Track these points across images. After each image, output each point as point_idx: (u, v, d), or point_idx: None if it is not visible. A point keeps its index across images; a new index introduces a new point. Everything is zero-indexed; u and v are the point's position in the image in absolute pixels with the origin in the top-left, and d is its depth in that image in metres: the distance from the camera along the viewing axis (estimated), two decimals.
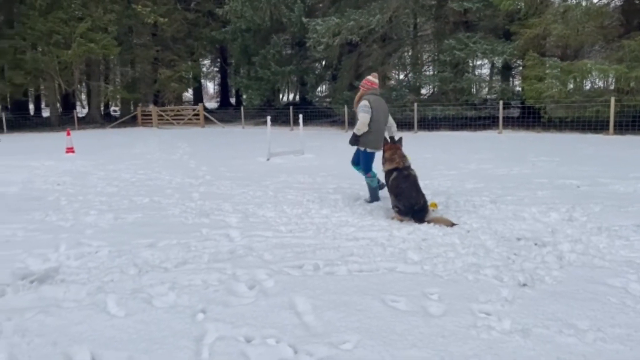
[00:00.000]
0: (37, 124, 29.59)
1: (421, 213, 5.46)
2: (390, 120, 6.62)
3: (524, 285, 3.58)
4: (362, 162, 6.58)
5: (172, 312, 3.22)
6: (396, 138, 6.37)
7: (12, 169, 10.96)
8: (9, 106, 32.30)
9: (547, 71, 17.28)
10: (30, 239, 5.12)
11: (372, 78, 6.52)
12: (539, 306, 3.21)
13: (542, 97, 17.15)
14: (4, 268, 4.10)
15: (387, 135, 6.51)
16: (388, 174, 5.95)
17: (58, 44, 25.68)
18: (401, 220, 5.48)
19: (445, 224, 5.25)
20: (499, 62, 21.82)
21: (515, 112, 21.32)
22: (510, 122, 19.41)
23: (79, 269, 4.13)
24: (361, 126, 6.24)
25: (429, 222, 5.36)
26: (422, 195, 5.62)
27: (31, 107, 37.12)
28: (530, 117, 18.25)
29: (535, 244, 4.54)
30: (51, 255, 4.51)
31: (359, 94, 6.53)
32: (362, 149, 6.48)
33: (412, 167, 5.98)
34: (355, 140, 6.39)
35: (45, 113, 35.54)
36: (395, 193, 5.72)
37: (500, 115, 18.35)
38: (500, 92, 20.46)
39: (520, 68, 21.94)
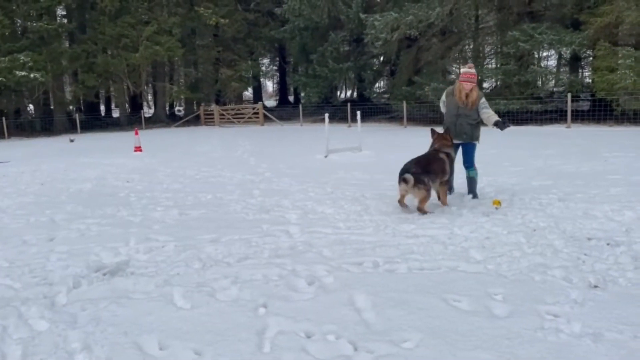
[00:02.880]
0: (108, 124, 31.21)
1: (400, 174, 5.69)
2: None
3: (595, 287, 3.41)
4: (472, 155, 6.43)
5: (234, 306, 3.31)
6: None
7: (86, 167, 11.63)
8: (82, 108, 34.26)
9: (620, 61, 16.30)
10: (103, 233, 5.41)
11: (474, 70, 6.30)
12: (612, 309, 3.04)
13: (615, 88, 16.20)
14: (79, 261, 4.37)
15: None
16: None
17: (126, 48, 26.95)
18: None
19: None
20: (566, 53, 20.80)
21: (585, 105, 20.26)
22: (580, 116, 18.47)
23: (147, 262, 4.33)
24: (494, 115, 6.25)
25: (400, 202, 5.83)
26: (416, 167, 5.70)
27: (102, 108, 39.21)
28: (601, 110, 17.27)
29: (608, 244, 4.31)
30: (122, 249, 4.75)
31: (476, 91, 6.23)
32: (476, 142, 6.45)
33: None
34: (503, 123, 6.30)
35: (115, 114, 37.44)
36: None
37: (569, 109, 17.50)
38: (569, 84, 19.50)
39: (590, 59, 20.81)
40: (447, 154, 6.02)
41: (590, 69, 22.17)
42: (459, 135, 6.32)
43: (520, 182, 7.46)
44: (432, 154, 6.03)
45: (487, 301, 3.24)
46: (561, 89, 21.98)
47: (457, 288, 3.47)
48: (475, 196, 6.42)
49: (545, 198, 6.18)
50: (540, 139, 13.67)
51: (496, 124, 6.18)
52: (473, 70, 6.22)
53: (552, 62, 32.53)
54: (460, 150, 6.46)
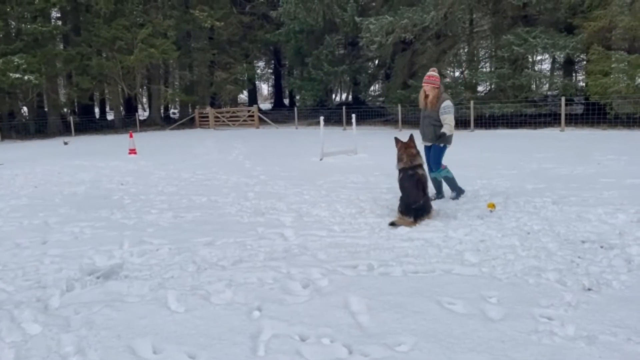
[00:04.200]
0: (102, 126, 31.05)
1: (419, 212, 5.39)
2: None
3: (589, 289, 3.42)
4: (434, 157, 6.49)
5: (229, 309, 3.30)
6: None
7: (80, 170, 11.58)
8: (76, 110, 34.10)
9: (613, 65, 16.38)
10: (97, 236, 5.39)
11: (436, 73, 6.45)
12: (606, 312, 3.06)
13: (608, 92, 16.27)
14: (73, 264, 4.35)
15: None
16: (398, 173, 5.93)
17: (121, 50, 26.87)
18: (404, 223, 5.31)
19: (405, 224, 5.25)
20: (560, 57, 20.91)
21: (579, 109, 20.34)
22: (573, 119, 18.54)
23: (141, 265, 4.31)
24: (453, 127, 6.31)
25: (392, 223, 5.34)
26: (423, 195, 5.54)
27: (96, 110, 39.03)
28: (595, 114, 17.36)
29: (602, 247, 4.33)
30: (116, 252, 4.73)
31: (435, 93, 6.35)
32: (441, 145, 6.49)
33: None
34: (444, 139, 6.34)
35: (110, 116, 37.24)
36: (400, 192, 5.75)
37: (563, 112, 17.58)
38: (562, 88, 19.59)
39: (584, 63, 20.91)
40: (420, 166, 5.84)
41: (583, 72, 22.31)
42: (424, 136, 6.58)
43: (514, 185, 7.49)
44: (416, 176, 5.69)
45: (482, 304, 3.25)
46: (555, 92, 22.06)
47: (452, 291, 3.47)
48: (459, 192, 6.58)
49: (540, 201, 6.20)
50: (534, 142, 13.73)
51: (440, 136, 6.35)
52: (433, 73, 6.45)
53: (546, 66, 32.68)
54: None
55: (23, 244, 5.14)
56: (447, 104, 6.31)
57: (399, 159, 5.93)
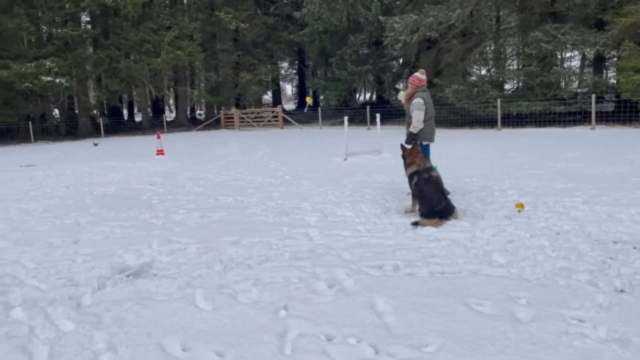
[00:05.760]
0: (130, 128, 31.71)
1: (443, 214, 5.36)
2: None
3: (622, 291, 3.34)
4: None
5: (255, 308, 3.33)
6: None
7: (110, 170, 11.83)
8: (106, 112, 34.87)
9: None
10: (127, 235, 5.50)
11: (421, 75, 6.67)
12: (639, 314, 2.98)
13: None
14: (104, 262, 4.45)
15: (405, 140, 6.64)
16: (410, 178, 5.94)
17: (149, 52, 27.38)
18: (430, 224, 5.28)
19: (431, 224, 5.22)
20: (590, 53, 20.42)
21: (610, 107, 19.83)
22: (604, 117, 18.09)
23: (169, 264, 4.38)
24: (418, 124, 6.45)
25: (415, 223, 5.33)
26: (444, 197, 5.55)
27: (125, 112, 39.83)
28: (626, 112, 16.90)
29: (634, 247, 4.22)
30: (145, 251, 4.82)
31: (408, 91, 6.71)
32: (424, 142, 6.64)
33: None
34: (412, 138, 6.50)
35: (138, 117, 37.99)
36: (418, 197, 5.70)
37: (593, 110, 17.17)
38: (593, 85, 19.11)
39: (615, 59, 20.37)
40: (432, 167, 5.98)
41: (614, 69, 21.72)
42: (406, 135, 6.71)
43: (543, 184, 7.35)
44: (432, 179, 5.68)
45: (511, 305, 3.20)
46: (585, 90, 21.54)
47: (479, 292, 3.43)
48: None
49: (569, 201, 6.07)
50: (563, 141, 13.45)
51: (407, 136, 6.56)
52: (415, 74, 6.68)
53: (576, 63, 31.99)
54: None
55: (55, 243, 5.28)
56: (416, 101, 6.43)
57: (411, 163, 5.96)
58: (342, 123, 12.95)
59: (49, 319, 3.28)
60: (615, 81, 19.50)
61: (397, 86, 28.56)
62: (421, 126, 6.46)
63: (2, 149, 22.28)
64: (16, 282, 4.05)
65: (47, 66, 23.79)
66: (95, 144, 21.56)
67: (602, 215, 5.33)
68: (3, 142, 25.22)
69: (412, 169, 5.89)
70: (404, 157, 6.14)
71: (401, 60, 28.01)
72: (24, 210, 7.20)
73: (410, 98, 6.61)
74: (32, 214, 6.96)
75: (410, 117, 6.52)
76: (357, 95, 39.68)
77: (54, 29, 25.89)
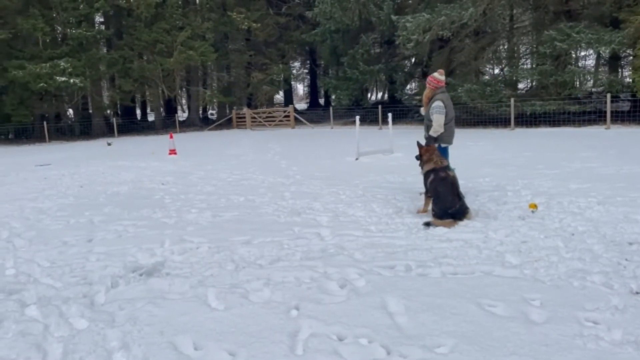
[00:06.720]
0: (143, 127, 31.95)
1: (456, 216, 5.30)
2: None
3: (637, 293, 3.30)
4: None
5: (267, 308, 3.33)
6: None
7: (123, 170, 11.94)
8: (119, 112, 35.19)
9: None
10: (139, 234, 5.54)
11: (439, 76, 6.49)
12: None
13: None
14: (117, 261, 4.48)
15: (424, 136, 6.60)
16: (426, 176, 5.85)
17: (161, 53, 27.57)
18: (442, 224, 5.22)
19: (444, 225, 5.16)
20: (605, 52, 20.13)
21: (625, 106, 19.57)
22: (620, 117, 17.86)
23: (182, 263, 4.41)
24: (438, 128, 6.30)
25: (427, 223, 5.27)
26: (459, 199, 5.45)
27: (138, 112, 40.15)
28: None
29: None
30: (157, 250, 4.85)
31: (426, 93, 6.57)
32: (442, 145, 6.55)
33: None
34: (433, 142, 6.38)
35: (150, 117, 38.26)
36: (432, 196, 5.63)
37: (608, 110, 16.96)
38: (608, 84, 18.88)
39: (631, 58, 20.09)
40: (448, 166, 5.86)
41: (630, 68, 21.43)
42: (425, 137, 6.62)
43: (557, 185, 7.27)
44: (449, 178, 5.60)
45: (524, 307, 3.17)
46: (600, 89, 21.29)
47: (492, 293, 3.40)
48: None
49: (584, 201, 6.00)
50: (578, 141, 13.30)
51: (426, 138, 6.45)
52: (434, 74, 6.54)
53: (591, 62, 31.60)
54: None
55: (70, 241, 5.33)
56: (437, 104, 6.27)
57: (428, 160, 5.87)
58: (353, 123, 12.92)
59: (63, 317, 3.32)
60: (631, 80, 19.24)
61: (409, 86, 28.45)
62: (442, 130, 6.30)
63: (17, 149, 22.60)
64: (31, 280, 4.10)
65: (62, 66, 24.07)
66: (109, 144, 21.76)
67: (618, 215, 5.26)
68: (18, 142, 25.58)
69: (429, 166, 5.81)
70: (420, 154, 6.06)
71: (413, 60, 27.90)
72: (38, 209, 7.29)
73: (429, 100, 6.45)
74: (46, 212, 7.04)
75: (430, 120, 6.39)
76: (369, 95, 39.55)
77: (69, 30, 26.21)
